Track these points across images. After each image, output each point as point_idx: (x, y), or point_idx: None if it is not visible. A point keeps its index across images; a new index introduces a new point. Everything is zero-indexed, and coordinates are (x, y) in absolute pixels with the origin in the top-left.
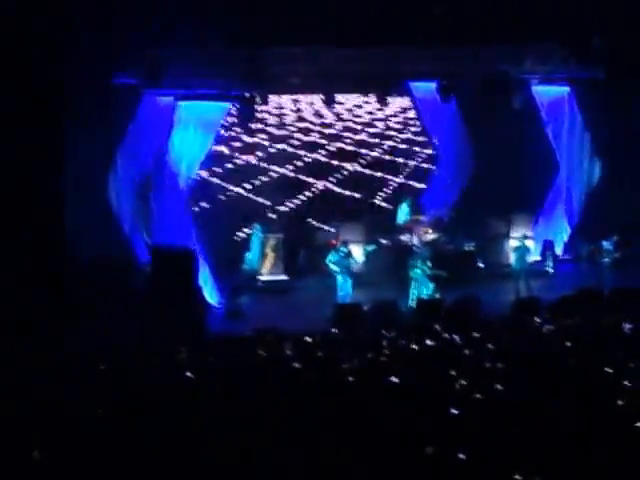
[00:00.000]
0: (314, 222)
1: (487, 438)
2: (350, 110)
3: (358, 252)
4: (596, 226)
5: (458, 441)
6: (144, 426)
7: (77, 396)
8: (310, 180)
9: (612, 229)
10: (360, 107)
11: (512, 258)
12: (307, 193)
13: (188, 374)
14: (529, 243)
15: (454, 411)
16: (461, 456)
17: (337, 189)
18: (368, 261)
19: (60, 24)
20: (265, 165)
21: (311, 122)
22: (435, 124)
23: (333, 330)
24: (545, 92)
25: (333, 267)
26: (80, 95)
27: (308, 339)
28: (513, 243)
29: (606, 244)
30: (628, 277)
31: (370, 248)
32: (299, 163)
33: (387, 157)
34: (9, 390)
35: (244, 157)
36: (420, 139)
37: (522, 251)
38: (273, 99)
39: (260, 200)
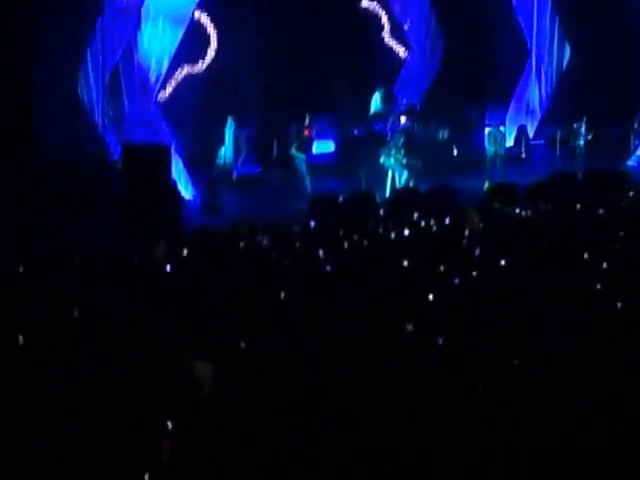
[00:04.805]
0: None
1: (466, 323)
2: None
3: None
4: (568, 109)
5: (437, 326)
6: (125, 321)
7: (52, 292)
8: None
9: (583, 112)
10: None
11: (485, 144)
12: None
13: (167, 268)
14: (502, 129)
15: (431, 296)
16: (439, 341)
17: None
18: (341, 151)
19: None
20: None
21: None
22: (405, 10)
23: (310, 221)
24: None
25: (298, 155)
26: None
27: (286, 230)
28: (487, 129)
29: (578, 127)
30: (601, 159)
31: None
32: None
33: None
34: None
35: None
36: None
37: (495, 137)
38: None
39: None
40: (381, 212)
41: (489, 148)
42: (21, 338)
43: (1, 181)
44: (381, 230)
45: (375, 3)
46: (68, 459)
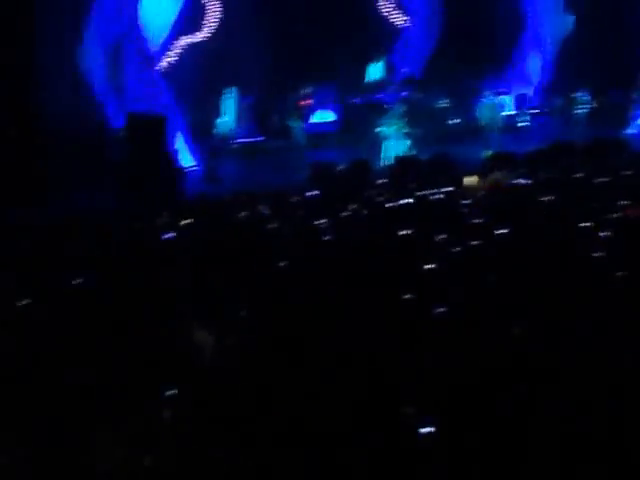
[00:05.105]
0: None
1: (466, 291)
2: None
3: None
4: (568, 78)
5: (436, 294)
6: (127, 287)
7: (53, 260)
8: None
9: (583, 80)
10: None
11: (480, 112)
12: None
13: (169, 235)
14: (501, 97)
15: (430, 265)
16: (440, 309)
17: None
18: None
19: None
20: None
21: None
22: None
23: (309, 190)
24: None
25: (297, 124)
26: None
27: (286, 199)
28: (485, 98)
29: (578, 95)
30: (601, 127)
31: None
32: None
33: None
34: None
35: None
36: None
37: (492, 105)
38: None
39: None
40: (381, 181)
41: (484, 117)
42: (25, 303)
43: (3, 150)
44: (381, 198)
45: None
46: (67, 425)
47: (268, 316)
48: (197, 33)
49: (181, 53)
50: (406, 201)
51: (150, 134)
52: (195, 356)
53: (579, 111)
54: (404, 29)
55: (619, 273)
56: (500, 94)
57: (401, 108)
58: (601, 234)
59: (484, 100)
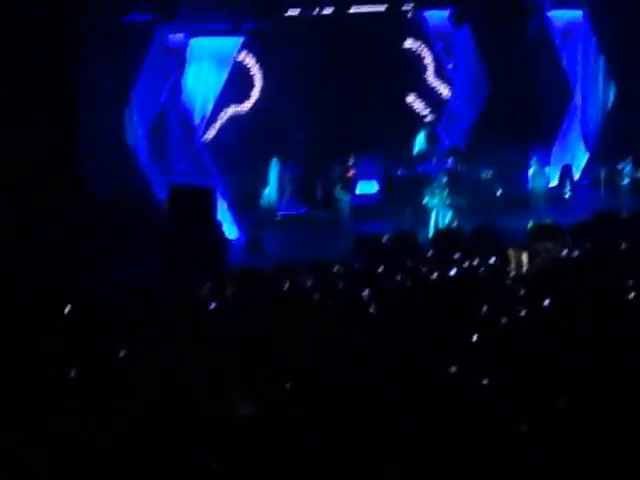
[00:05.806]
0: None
1: (510, 363)
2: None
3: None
4: (613, 149)
5: (481, 367)
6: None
7: (98, 332)
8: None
9: (629, 151)
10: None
11: (530, 184)
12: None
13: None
14: (546, 168)
15: (475, 337)
16: (484, 382)
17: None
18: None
19: None
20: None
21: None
22: (448, 50)
23: (353, 261)
24: (559, 16)
25: (342, 196)
26: (93, 33)
27: (329, 270)
28: (531, 169)
29: (623, 166)
30: None
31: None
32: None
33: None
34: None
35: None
36: None
37: (539, 176)
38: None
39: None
40: (425, 252)
41: (529, 188)
42: (73, 373)
43: (48, 221)
44: (425, 270)
45: (419, 43)
46: None
47: (313, 391)
48: (241, 104)
49: (225, 124)
50: (450, 273)
51: (193, 205)
52: (232, 429)
53: (623, 182)
54: (448, 100)
55: None
56: (545, 165)
57: (445, 179)
58: None
59: (529, 171)
